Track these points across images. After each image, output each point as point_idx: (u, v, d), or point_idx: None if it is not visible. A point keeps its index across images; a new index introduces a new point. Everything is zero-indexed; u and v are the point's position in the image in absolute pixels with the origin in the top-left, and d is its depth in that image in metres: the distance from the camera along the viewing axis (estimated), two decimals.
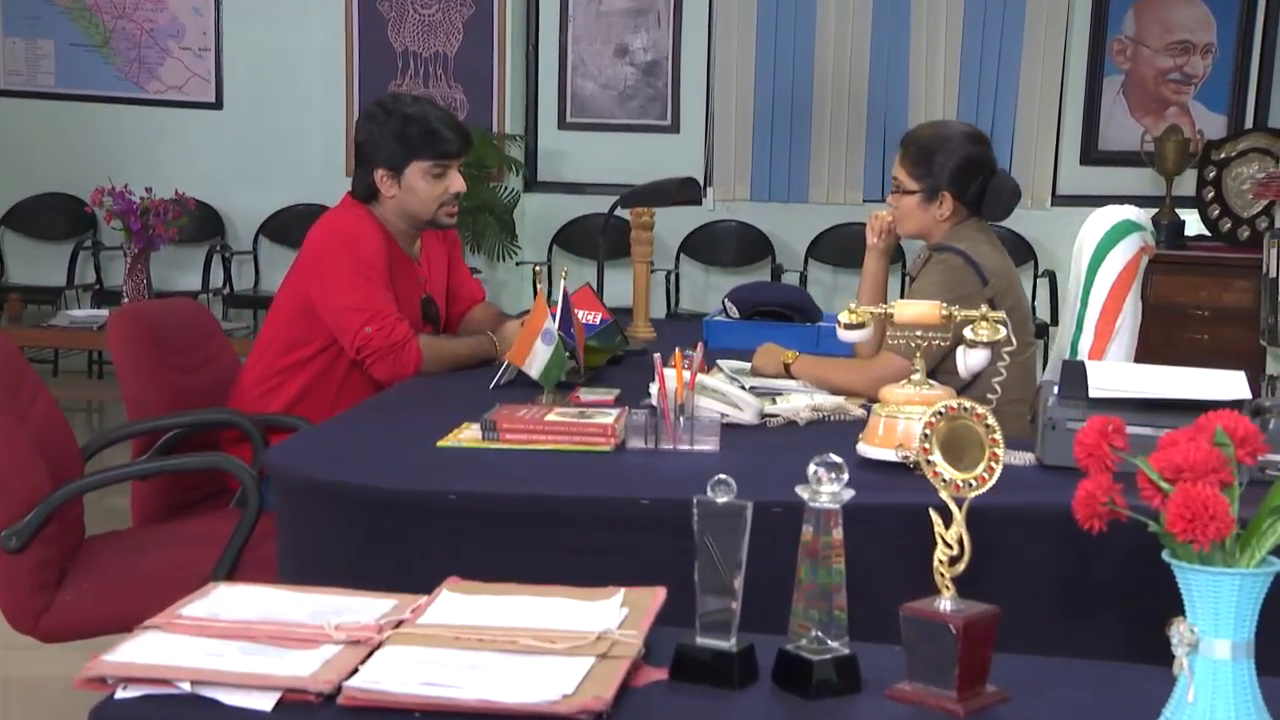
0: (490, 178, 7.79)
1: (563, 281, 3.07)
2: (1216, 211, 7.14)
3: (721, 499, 1.78)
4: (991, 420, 1.66)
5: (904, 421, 2.51)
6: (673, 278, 7.67)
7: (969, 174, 3.40)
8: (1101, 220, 3.21)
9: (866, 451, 2.54)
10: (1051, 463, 2.48)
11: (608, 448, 2.68)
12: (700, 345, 2.88)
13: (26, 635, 2.94)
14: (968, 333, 2.54)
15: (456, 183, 3.60)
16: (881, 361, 3.23)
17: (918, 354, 2.55)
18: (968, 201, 3.41)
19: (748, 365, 3.49)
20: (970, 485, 1.69)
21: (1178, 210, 7.07)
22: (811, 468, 1.76)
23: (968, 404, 1.68)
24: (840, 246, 7.65)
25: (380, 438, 2.81)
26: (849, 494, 1.76)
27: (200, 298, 7.84)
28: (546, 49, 8.02)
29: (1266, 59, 7.52)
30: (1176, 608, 1.54)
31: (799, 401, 3.05)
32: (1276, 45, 7.47)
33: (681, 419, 2.71)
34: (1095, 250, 3.13)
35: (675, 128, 7.92)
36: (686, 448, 2.70)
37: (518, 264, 7.66)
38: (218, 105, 8.23)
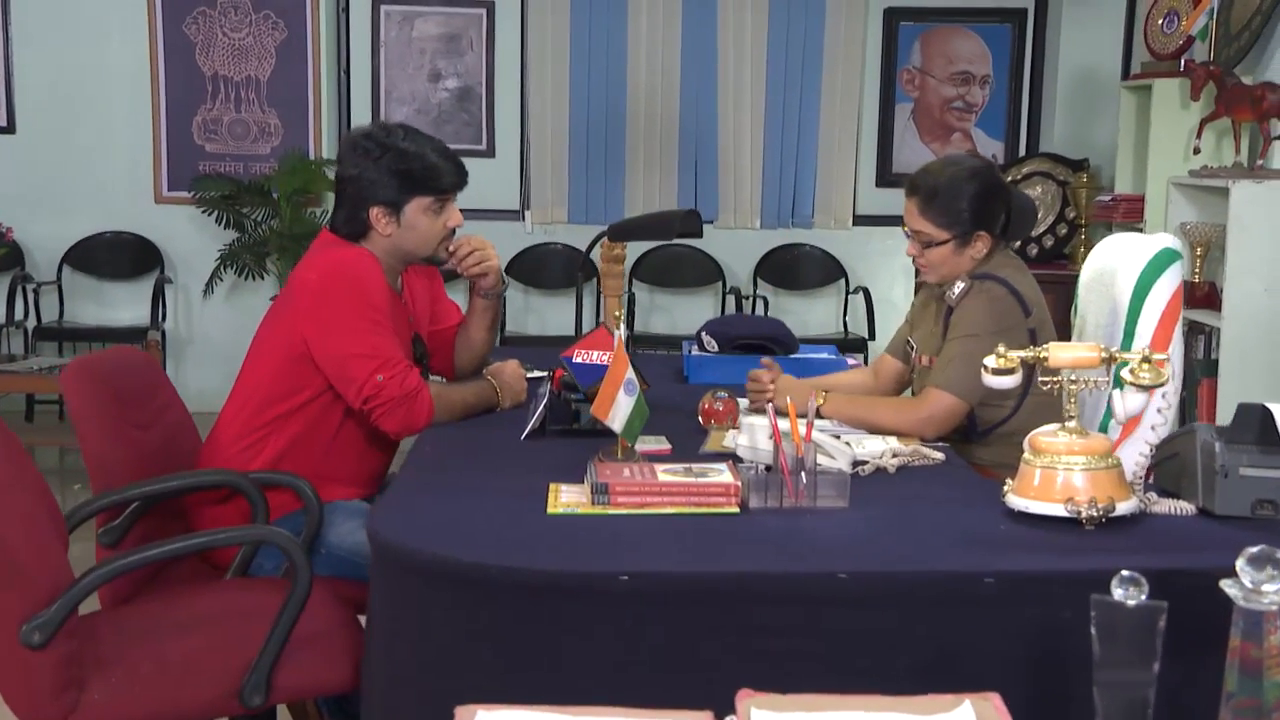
0: (309, 203, 7.19)
1: (617, 332, 2.63)
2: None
3: (1133, 601, 1.43)
4: None
5: (1064, 472, 2.21)
6: (502, 300, 7.20)
7: (993, 206, 3.11)
8: (1136, 248, 2.98)
9: (1026, 505, 2.23)
10: (1224, 512, 2.22)
11: (734, 509, 2.30)
12: (823, 394, 2.51)
13: None
14: (1127, 375, 2.25)
15: (455, 217, 3.13)
16: (931, 400, 2.93)
17: (1071, 399, 2.24)
18: (997, 232, 3.13)
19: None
20: None
21: None
22: (1242, 562, 1.43)
23: None
24: (659, 267, 7.37)
25: (474, 505, 2.37)
26: None
27: (3, 331, 6.99)
28: (359, 74, 7.45)
29: (1035, 90, 7.58)
30: None
31: (873, 446, 2.72)
32: (1044, 78, 7.53)
33: (802, 474, 2.34)
34: (1139, 279, 2.89)
35: (491, 152, 7.47)
36: (810, 505, 2.33)
37: None
38: (9, 129, 7.33)
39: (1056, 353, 2.27)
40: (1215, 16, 5.39)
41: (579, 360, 2.90)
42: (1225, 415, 4.60)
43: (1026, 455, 2.27)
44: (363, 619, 2.80)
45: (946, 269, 3.13)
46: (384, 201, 3.03)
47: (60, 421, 7.06)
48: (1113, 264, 3.03)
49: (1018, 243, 3.35)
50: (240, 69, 7.32)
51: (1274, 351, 4.74)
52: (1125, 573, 1.44)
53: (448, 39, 7.48)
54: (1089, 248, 6.77)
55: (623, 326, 2.65)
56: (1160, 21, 5.59)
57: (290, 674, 2.46)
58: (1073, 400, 2.25)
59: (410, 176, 3.03)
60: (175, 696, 2.43)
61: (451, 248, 3.23)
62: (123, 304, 7.33)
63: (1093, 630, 1.45)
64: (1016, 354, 2.30)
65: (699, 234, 3.31)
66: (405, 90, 7.48)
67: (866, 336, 7.12)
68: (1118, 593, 1.44)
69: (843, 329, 7.39)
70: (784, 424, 2.41)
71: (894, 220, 3.22)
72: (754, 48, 7.39)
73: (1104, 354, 2.26)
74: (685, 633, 1.98)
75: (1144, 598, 1.43)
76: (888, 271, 7.43)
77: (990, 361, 2.31)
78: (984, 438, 3.11)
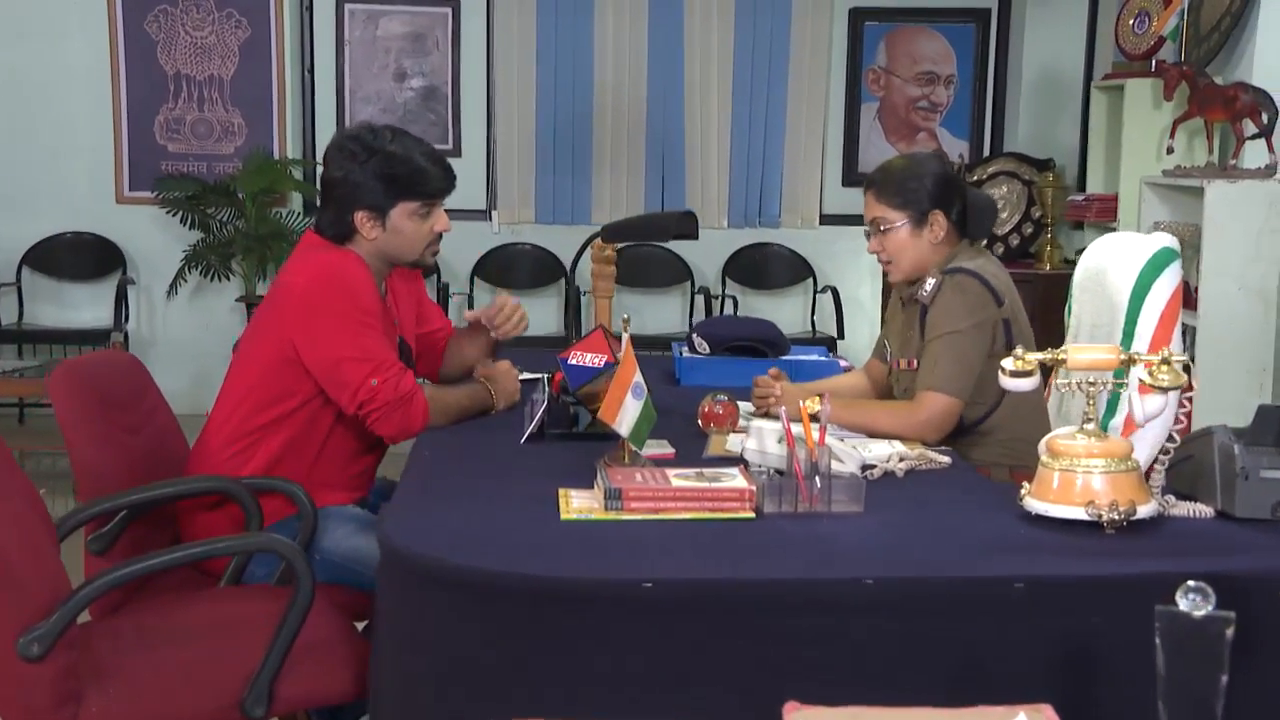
0: (274, 203, 7.08)
1: (625, 335, 2.56)
2: None
3: (1199, 612, 1.38)
4: None
5: (1083, 475, 2.17)
6: (469, 300, 7.14)
7: (949, 189, 3.09)
8: (1133, 248, 2.94)
9: (1045, 509, 2.19)
10: (1244, 515, 2.19)
11: (749, 514, 2.25)
12: (826, 397, 2.45)
13: None
14: (1145, 377, 2.21)
15: (442, 221, 3.05)
16: (927, 403, 2.89)
17: (1090, 400, 2.21)
18: (955, 220, 3.09)
19: (750, 406, 3.10)
20: None
21: None
22: None
23: None
24: (627, 267, 7.23)
25: (485, 512, 2.31)
26: None
27: None
28: (323, 73, 7.34)
29: (999, 90, 7.58)
30: None
31: (879, 450, 2.67)
32: (1008, 78, 7.53)
33: (816, 479, 2.29)
34: (1138, 280, 2.85)
35: (457, 152, 7.37)
36: (825, 510, 2.29)
37: None
38: None
39: (1075, 355, 2.24)
40: (1185, 17, 5.40)
41: (573, 362, 2.84)
42: (1201, 414, 4.58)
43: (1044, 459, 2.23)
44: (358, 625, 2.76)
45: (908, 258, 3.10)
46: (369, 205, 2.96)
47: (21, 425, 6.92)
48: (1108, 264, 2.99)
49: (984, 241, 3.32)
50: (203, 68, 7.20)
51: (1249, 350, 4.74)
52: (1191, 583, 1.40)
53: (413, 38, 7.38)
54: (1055, 247, 6.82)
55: (629, 330, 2.58)
56: (1131, 22, 5.59)
57: (291, 684, 2.39)
58: (1091, 402, 2.22)
59: (396, 181, 2.96)
60: (174, 708, 2.35)
61: (490, 318, 3.29)
62: (84, 305, 7.19)
63: (1157, 641, 1.40)
64: (1035, 356, 2.26)
65: (694, 236, 3.25)
66: (370, 89, 7.39)
67: (836, 336, 7.10)
68: (1183, 603, 1.39)
69: (811, 328, 7.36)
70: (794, 428, 2.36)
71: (860, 219, 3.19)
72: (720, 47, 7.35)
73: (1123, 356, 2.22)
74: (707, 641, 1.93)
75: (1211, 608, 1.39)
76: (855, 271, 7.41)
77: (1008, 364, 2.27)
78: (964, 436, 3.08)
